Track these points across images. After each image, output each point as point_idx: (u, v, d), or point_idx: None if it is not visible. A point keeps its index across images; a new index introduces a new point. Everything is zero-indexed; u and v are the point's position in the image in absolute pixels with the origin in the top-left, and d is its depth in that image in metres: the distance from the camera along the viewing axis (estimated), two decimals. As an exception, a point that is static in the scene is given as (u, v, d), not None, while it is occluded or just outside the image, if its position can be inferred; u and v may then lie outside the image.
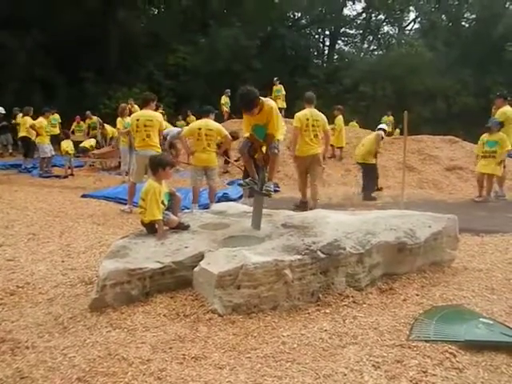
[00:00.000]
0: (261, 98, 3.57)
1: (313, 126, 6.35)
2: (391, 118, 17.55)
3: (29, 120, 11.28)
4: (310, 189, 6.58)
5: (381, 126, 8.85)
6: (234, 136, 10.12)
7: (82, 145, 12.55)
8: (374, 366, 2.19)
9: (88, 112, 15.51)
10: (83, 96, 18.32)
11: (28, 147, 11.51)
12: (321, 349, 2.39)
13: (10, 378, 2.15)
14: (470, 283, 3.36)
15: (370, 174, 8.06)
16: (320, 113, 6.54)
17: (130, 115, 9.35)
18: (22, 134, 11.50)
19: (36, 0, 17.06)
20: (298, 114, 6.42)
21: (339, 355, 2.31)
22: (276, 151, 3.65)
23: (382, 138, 8.31)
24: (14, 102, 13.62)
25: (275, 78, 15.03)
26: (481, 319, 2.55)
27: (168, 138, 9.67)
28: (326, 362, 2.25)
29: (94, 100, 18.24)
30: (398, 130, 16.53)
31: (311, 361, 2.27)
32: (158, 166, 3.65)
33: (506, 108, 7.83)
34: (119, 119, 9.53)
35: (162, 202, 3.58)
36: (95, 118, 14.82)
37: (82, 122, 14.98)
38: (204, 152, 6.10)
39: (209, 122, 6.25)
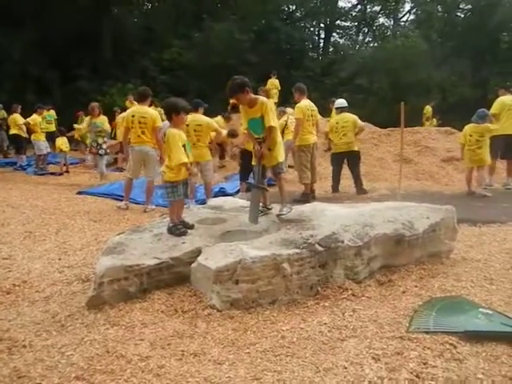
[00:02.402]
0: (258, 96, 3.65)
1: (311, 115, 6.82)
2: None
3: (18, 117, 11.18)
4: (312, 174, 6.98)
5: (341, 103, 7.92)
6: (234, 134, 10.03)
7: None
8: (374, 358, 2.18)
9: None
10: (77, 93, 18.17)
11: (19, 144, 11.40)
12: (320, 342, 2.37)
13: (7, 378, 2.13)
14: (469, 274, 3.35)
15: (355, 162, 7.70)
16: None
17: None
18: (13, 131, 11.39)
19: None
20: (301, 105, 6.72)
21: (339, 348, 2.30)
22: (281, 172, 3.71)
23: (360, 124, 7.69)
24: (8, 99, 13.49)
25: (272, 73, 14.90)
26: (480, 310, 2.55)
27: (161, 133, 9.51)
28: (325, 356, 2.24)
29: (89, 97, 18.04)
30: (434, 120, 15.87)
31: (311, 354, 2.26)
32: (170, 111, 3.47)
33: (504, 97, 7.98)
34: (87, 118, 9.03)
35: (184, 147, 3.43)
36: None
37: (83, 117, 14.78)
38: (194, 148, 6.04)
39: (197, 117, 6.18)
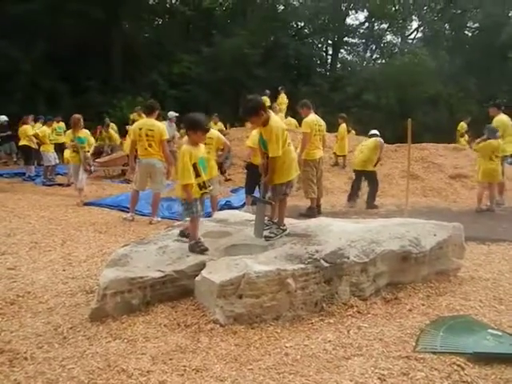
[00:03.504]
0: (271, 113, 3.56)
1: (319, 130, 6.84)
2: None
3: (29, 128, 11.32)
4: (318, 189, 6.93)
5: (373, 131, 8.54)
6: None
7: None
8: (379, 378, 2.14)
9: (107, 119, 15.40)
10: (87, 105, 18.41)
11: (28, 155, 11.52)
12: (325, 360, 2.33)
13: (7, 390, 2.12)
14: (477, 293, 3.30)
15: (371, 180, 7.94)
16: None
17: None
18: (22, 142, 11.52)
19: (40, 10, 17.22)
20: (308, 120, 6.79)
21: (344, 367, 2.26)
22: (283, 196, 3.65)
23: (382, 145, 8.00)
24: (19, 111, 13.70)
25: (279, 88, 15.04)
26: (489, 330, 2.50)
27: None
28: (330, 374, 2.20)
29: (99, 109, 18.32)
30: (466, 137, 15.56)
31: (315, 373, 2.21)
32: (188, 128, 3.41)
33: (502, 116, 7.90)
34: (69, 132, 8.07)
35: (195, 166, 3.31)
36: (113, 125, 14.81)
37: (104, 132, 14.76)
38: None
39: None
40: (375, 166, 8.00)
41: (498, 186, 7.85)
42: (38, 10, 17.17)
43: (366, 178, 7.98)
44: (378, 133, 8.44)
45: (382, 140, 8.04)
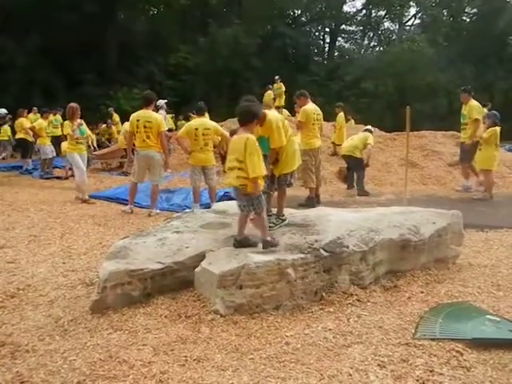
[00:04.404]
0: (266, 111, 3.53)
1: (317, 119, 6.82)
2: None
3: (25, 121, 11.26)
4: (317, 179, 6.92)
5: (368, 127, 8.82)
6: (233, 134, 9.99)
7: None
8: (379, 365, 2.16)
9: (110, 108, 15.28)
10: (84, 98, 18.28)
11: (25, 148, 11.47)
12: (325, 348, 2.35)
13: (9, 383, 2.12)
14: (476, 280, 3.32)
15: (357, 167, 7.99)
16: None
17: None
18: (18, 135, 11.46)
19: (34, 3, 17.02)
20: (306, 109, 6.79)
21: (344, 355, 2.28)
22: (285, 187, 3.66)
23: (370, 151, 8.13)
24: (15, 105, 13.60)
25: (276, 77, 14.97)
26: (487, 316, 2.52)
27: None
28: (330, 362, 2.21)
29: (95, 101, 18.22)
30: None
31: (315, 361, 2.23)
32: (253, 117, 3.17)
33: (474, 101, 7.82)
34: (67, 122, 7.52)
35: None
36: (116, 116, 14.74)
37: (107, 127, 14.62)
38: (201, 152, 6.05)
39: (206, 122, 6.20)
40: (365, 167, 8.08)
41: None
42: (32, 2, 16.97)
43: (352, 164, 8.05)
44: (371, 129, 8.67)
45: (370, 147, 8.00)
